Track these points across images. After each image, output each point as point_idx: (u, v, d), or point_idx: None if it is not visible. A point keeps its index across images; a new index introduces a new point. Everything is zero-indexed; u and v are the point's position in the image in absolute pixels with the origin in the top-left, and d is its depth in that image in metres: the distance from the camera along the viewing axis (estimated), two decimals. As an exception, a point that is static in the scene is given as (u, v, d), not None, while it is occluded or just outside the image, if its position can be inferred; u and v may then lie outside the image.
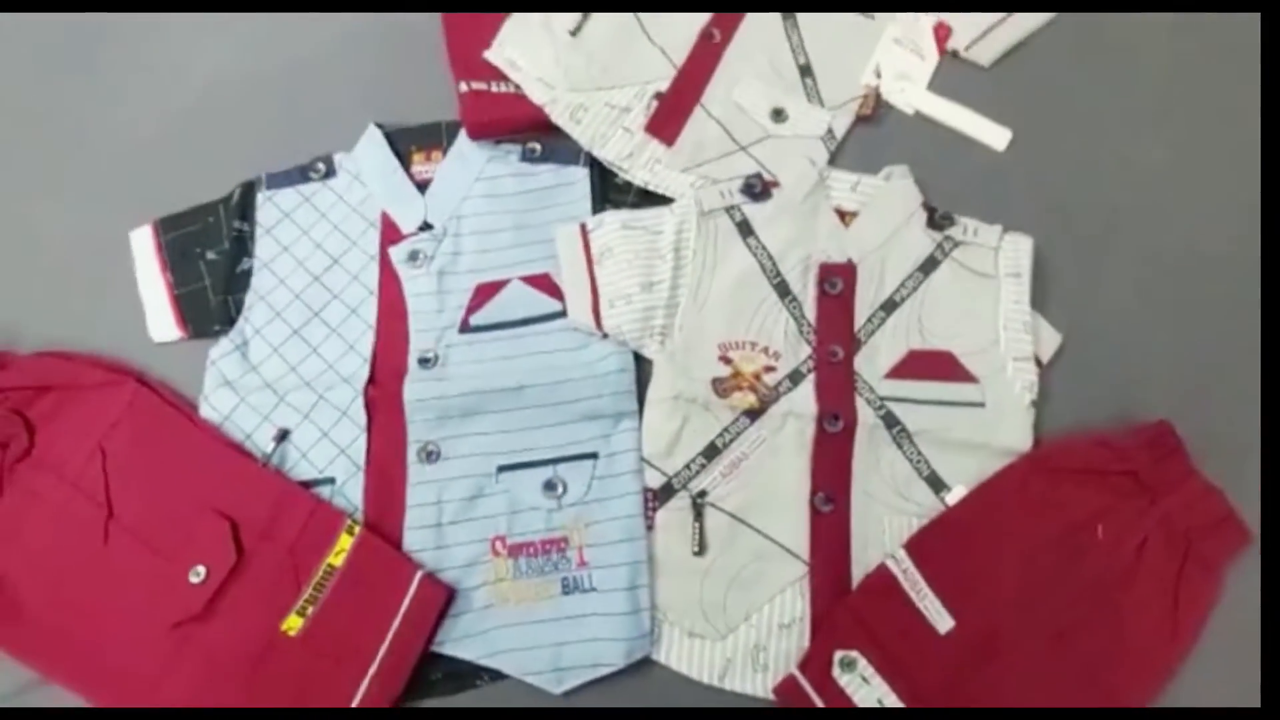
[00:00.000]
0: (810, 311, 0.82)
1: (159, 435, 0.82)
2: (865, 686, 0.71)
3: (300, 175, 0.91)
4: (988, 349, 0.80)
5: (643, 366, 0.82)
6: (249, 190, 0.90)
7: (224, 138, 0.95)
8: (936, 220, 0.84)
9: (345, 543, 0.76)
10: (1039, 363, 0.81)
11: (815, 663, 0.72)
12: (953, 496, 0.77)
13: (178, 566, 0.76)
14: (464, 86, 0.89)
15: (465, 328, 0.84)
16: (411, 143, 0.91)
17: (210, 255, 0.88)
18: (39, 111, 0.96)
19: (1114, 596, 0.74)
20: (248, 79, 0.97)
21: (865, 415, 0.79)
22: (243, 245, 0.88)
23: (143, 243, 0.90)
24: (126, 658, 0.75)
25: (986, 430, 0.78)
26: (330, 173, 0.91)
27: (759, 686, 0.73)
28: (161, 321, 0.87)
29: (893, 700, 0.70)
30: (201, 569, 0.75)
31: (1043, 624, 0.72)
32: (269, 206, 0.90)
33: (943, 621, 0.72)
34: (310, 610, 0.74)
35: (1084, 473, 0.76)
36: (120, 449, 0.81)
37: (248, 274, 0.88)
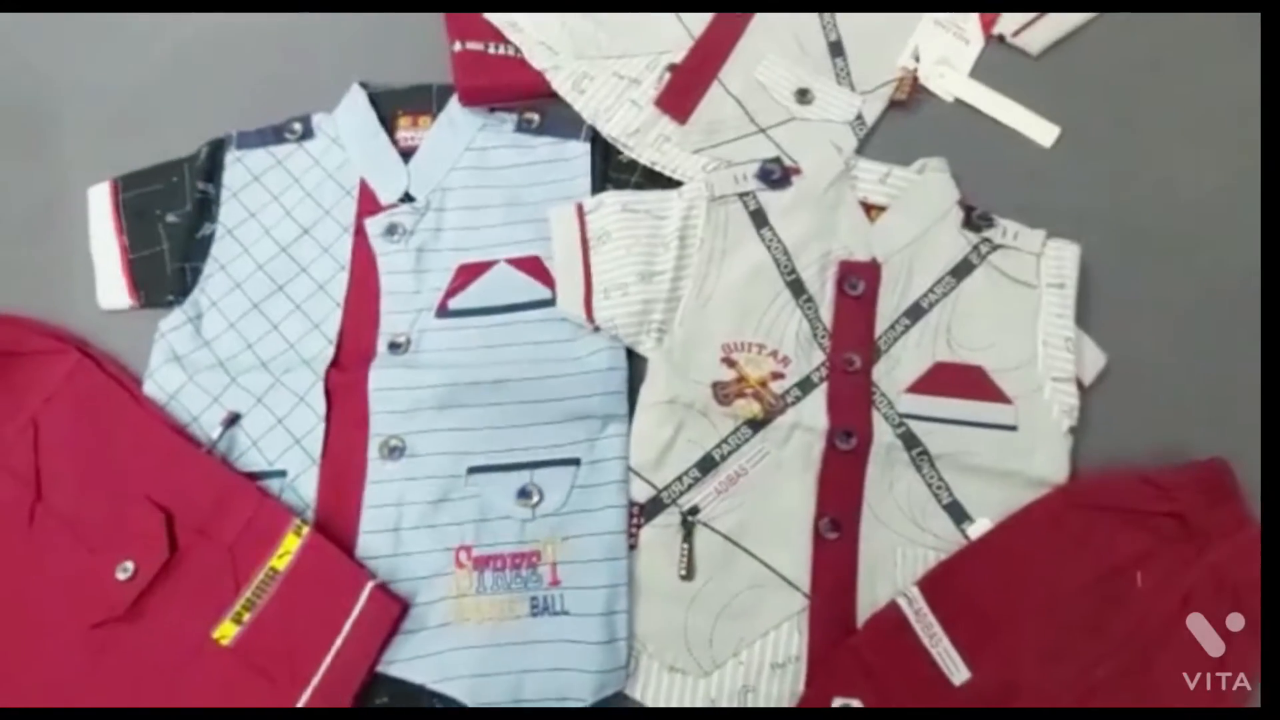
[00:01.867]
0: (826, 314, 0.73)
1: (97, 412, 0.74)
2: (867, 738, 0.62)
3: (274, 135, 0.83)
4: (1024, 366, 0.72)
5: (636, 366, 0.74)
6: (217, 149, 0.82)
7: (199, 98, 0.87)
8: (974, 220, 0.75)
9: (291, 544, 0.68)
10: (1080, 385, 0.72)
11: (810, 709, 0.63)
12: (975, 529, 0.68)
13: (104, 560, 0.68)
14: (458, 46, 0.81)
15: (443, 311, 0.76)
16: (398, 106, 0.83)
17: (170, 218, 0.81)
18: (5, 69, 0.89)
19: (1151, 653, 0.65)
20: (226, 35, 0.89)
21: (882, 433, 0.70)
22: (206, 209, 0.81)
23: (100, 201, 0.82)
24: (40, 658, 0.67)
25: (1018, 457, 0.69)
26: (307, 134, 0.83)
27: (746, 733, 0.65)
28: (112, 287, 0.80)
29: (896, 758, 0.62)
30: (130, 564, 0.68)
31: (1069, 680, 0.64)
32: (238, 168, 0.82)
33: (957, 671, 0.64)
34: (247, 617, 0.66)
35: (1125, 512, 0.68)
36: (54, 425, 0.73)
37: (209, 240, 0.80)
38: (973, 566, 0.67)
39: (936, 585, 0.66)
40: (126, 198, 0.82)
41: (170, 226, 0.80)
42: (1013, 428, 0.70)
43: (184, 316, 0.77)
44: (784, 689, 0.65)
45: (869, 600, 0.67)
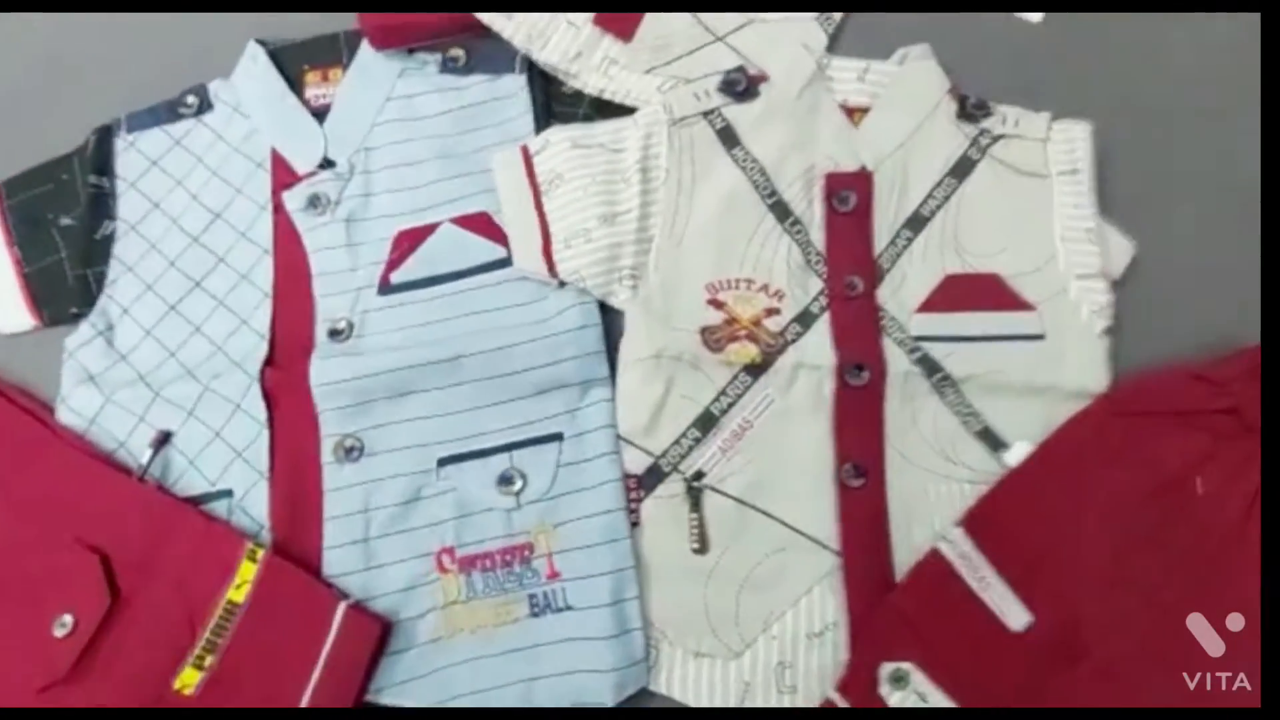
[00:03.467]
0: (818, 236, 0.65)
1: (9, 450, 0.65)
2: (922, 706, 0.55)
3: (168, 112, 0.73)
4: (1043, 267, 0.64)
5: (613, 321, 0.65)
6: (105, 137, 0.72)
7: (83, 88, 0.76)
8: (969, 110, 0.67)
9: (248, 572, 0.59)
10: (1109, 281, 0.64)
11: (857, 680, 0.56)
12: (1014, 455, 0.61)
13: (38, 615, 0.59)
14: (359, -21, 0.70)
15: (385, 287, 0.66)
16: (304, 61, 0.73)
17: (65, 221, 0.71)
18: None
19: (1220, 563, 0.59)
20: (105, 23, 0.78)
21: (896, 361, 0.62)
22: (102, 205, 0.71)
23: (-17, 212, 0.72)
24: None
25: (1049, 369, 0.62)
26: (205, 106, 0.73)
27: (787, 714, 0.57)
28: (10, 308, 0.70)
29: (957, 721, 0.55)
30: (67, 618, 0.59)
31: (1136, 609, 0.57)
32: (131, 154, 0.72)
33: (1015, 615, 0.57)
34: (209, 660, 0.58)
35: (1176, 414, 0.61)
36: (-40, 470, 0.64)
37: (109, 240, 0.70)
38: (1016, 496, 0.59)
39: (980, 522, 0.58)
40: (13, 204, 0.72)
41: (66, 230, 0.70)
42: (1040, 337, 0.63)
43: (92, 330, 0.68)
44: (824, 660, 0.58)
45: (906, 549, 0.59)
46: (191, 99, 0.72)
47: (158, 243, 0.69)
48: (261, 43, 0.73)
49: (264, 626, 0.59)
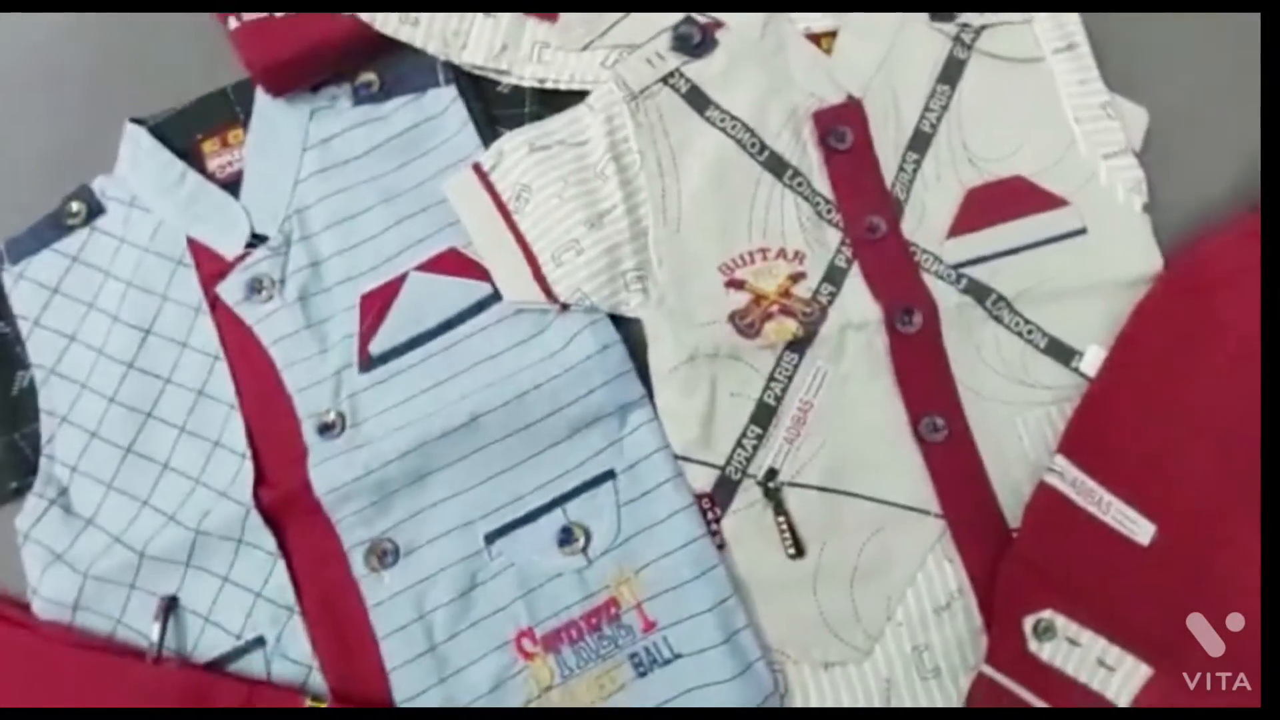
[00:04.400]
0: (822, 183, 0.59)
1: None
2: (1076, 650, 0.52)
3: (52, 228, 0.63)
4: (1064, 156, 0.59)
5: (629, 333, 0.58)
6: (-15, 274, 0.61)
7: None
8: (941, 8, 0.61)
9: (312, 725, 0.52)
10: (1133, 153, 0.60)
11: (1003, 644, 0.52)
12: (1088, 362, 0.57)
13: None
14: (233, 23, 0.61)
15: (367, 363, 0.58)
16: (195, 130, 0.63)
17: (-34, 384, 0.60)
18: None
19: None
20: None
21: (944, 295, 0.57)
22: (8, 354, 0.61)
23: None
24: None
25: (1100, 262, 0.58)
26: (95, 210, 0.63)
27: (936, 699, 0.53)
28: (-71, 501, 0.60)
29: (1115, 655, 0.51)
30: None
31: (1255, 477, 0.54)
32: (23, 286, 0.62)
33: (1142, 530, 0.53)
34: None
35: (1233, 275, 0.57)
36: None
37: (31, 392, 0.60)
38: (1106, 406, 0.55)
39: (1079, 443, 0.54)
40: (-106, 381, 0.61)
41: (-29, 395, 0.60)
42: (1082, 231, 0.58)
43: (42, 501, 0.58)
44: (959, 631, 0.53)
45: (1009, 492, 0.55)
46: (76, 205, 0.62)
47: (87, 381, 0.60)
48: (139, 121, 0.62)
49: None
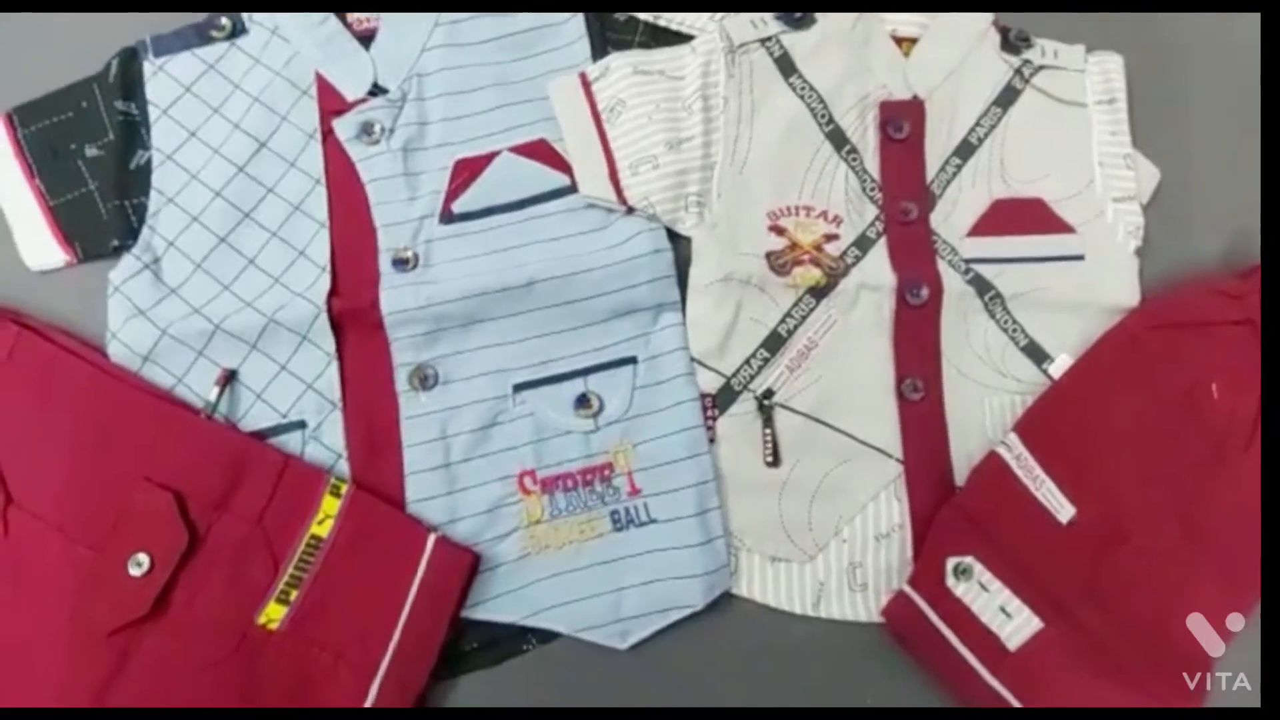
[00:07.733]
0: (872, 163, 0.68)
1: (57, 390, 0.63)
2: (984, 594, 0.60)
3: (197, 36, 0.70)
4: (1082, 191, 0.68)
5: (678, 248, 0.66)
6: (131, 60, 0.69)
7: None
8: (1012, 42, 0.70)
9: (331, 506, 0.60)
10: (1140, 204, 0.69)
11: (926, 574, 0.61)
12: (1056, 367, 0.66)
13: (110, 557, 0.58)
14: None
15: (448, 217, 0.66)
16: (342, -15, 0.70)
17: (91, 151, 0.68)
18: None
19: (1233, 463, 0.64)
20: None
21: (951, 281, 0.66)
22: (134, 133, 0.68)
23: (-6, 143, 0.68)
24: (49, 677, 0.58)
25: (1089, 287, 0.66)
26: (239, 29, 0.70)
27: (859, 609, 0.62)
28: (37, 243, 0.67)
29: (1015, 605, 0.60)
30: (143, 557, 0.58)
31: (1167, 498, 0.63)
32: (161, 79, 0.69)
33: (1063, 509, 0.62)
34: (295, 595, 0.59)
35: (1197, 326, 0.66)
36: (6, 413, 0.61)
37: (146, 170, 0.67)
38: (1062, 403, 0.64)
39: (1031, 428, 0.63)
40: (28, 133, 0.68)
41: (93, 161, 0.67)
42: (1080, 257, 0.67)
43: (138, 263, 0.65)
44: (891, 559, 0.62)
45: (963, 456, 0.64)
46: (224, 21, 0.69)
47: (199, 173, 0.67)
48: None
49: (351, 560, 0.59)
